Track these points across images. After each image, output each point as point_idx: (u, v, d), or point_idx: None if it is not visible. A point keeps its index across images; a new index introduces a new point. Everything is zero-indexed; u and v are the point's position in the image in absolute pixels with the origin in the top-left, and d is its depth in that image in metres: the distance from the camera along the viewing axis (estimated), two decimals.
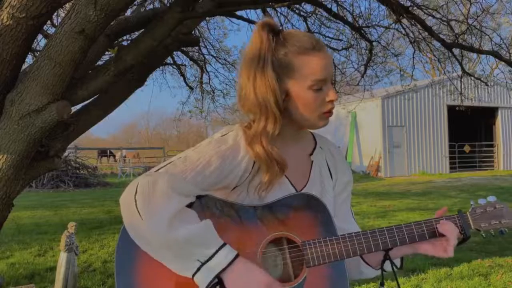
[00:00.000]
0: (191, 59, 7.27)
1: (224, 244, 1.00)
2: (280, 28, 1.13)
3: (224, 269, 0.98)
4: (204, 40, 7.50)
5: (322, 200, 1.14)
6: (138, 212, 0.97)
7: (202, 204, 1.06)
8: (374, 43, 6.40)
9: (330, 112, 1.13)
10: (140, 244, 1.02)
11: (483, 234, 1.21)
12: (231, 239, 1.04)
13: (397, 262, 1.24)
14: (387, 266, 1.21)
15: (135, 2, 4.43)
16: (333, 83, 1.16)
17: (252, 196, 1.12)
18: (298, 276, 1.07)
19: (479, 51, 5.73)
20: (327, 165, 1.27)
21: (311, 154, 1.24)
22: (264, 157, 1.09)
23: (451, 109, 19.35)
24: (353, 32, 6.21)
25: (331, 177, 1.26)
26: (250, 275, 0.99)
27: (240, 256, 1.00)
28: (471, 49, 5.78)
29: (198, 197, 1.06)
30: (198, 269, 0.98)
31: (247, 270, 1.00)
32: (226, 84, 8.91)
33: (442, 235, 1.15)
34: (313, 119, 1.13)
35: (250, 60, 1.10)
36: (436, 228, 1.16)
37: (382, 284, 1.23)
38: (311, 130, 1.27)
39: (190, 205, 1.04)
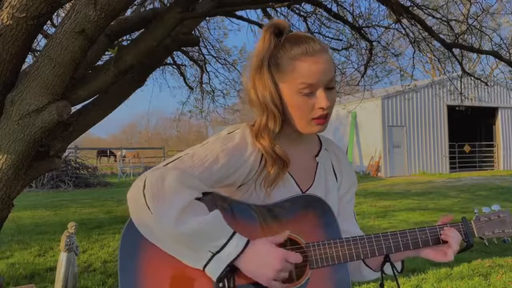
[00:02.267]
0: (191, 59, 7.27)
1: (234, 233, 1.00)
2: (288, 30, 1.14)
3: (235, 258, 0.99)
4: (204, 40, 7.50)
5: (327, 202, 1.14)
6: (148, 206, 0.97)
7: (207, 201, 1.06)
8: (374, 43, 6.40)
9: (320, 119, 1.11)
10: (150, 238, 1.02)
11: (486, 242, 1.22)
12: None
13: (398, 265, 1.25)
14: (387, 268, 1.22)
15: (135, 2, 4.43)
16: (332, 87, 1.14)
17: (258, 193, 1.12)
18: (301, 278, 1.07)
19: (479, 51, 5.73)
20: (332, 167, 1.27)
21: (316, 156, 1.25)
22: (269, 151, 1.11)
23: (451, 109, 19.35)
24: (353, 32, 6.21)
25: (336, 179, 1.27)
26: (263, 257, 1.00)
27: (251, 241, 1.01)
28: (471, 49, 5.78)
29: (204, 194, 1.06)
30: (210, 260, 0.99)
31: (259, 253, 1.00)
32: (226, 84, 8.94)
33: (445, 242, 1.16)
34: (303, 124, 1.13)
35: (252, 59, 1.13)
36: (440, 235, 1.17)
37: (381, 285, 1.23)
38: None
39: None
